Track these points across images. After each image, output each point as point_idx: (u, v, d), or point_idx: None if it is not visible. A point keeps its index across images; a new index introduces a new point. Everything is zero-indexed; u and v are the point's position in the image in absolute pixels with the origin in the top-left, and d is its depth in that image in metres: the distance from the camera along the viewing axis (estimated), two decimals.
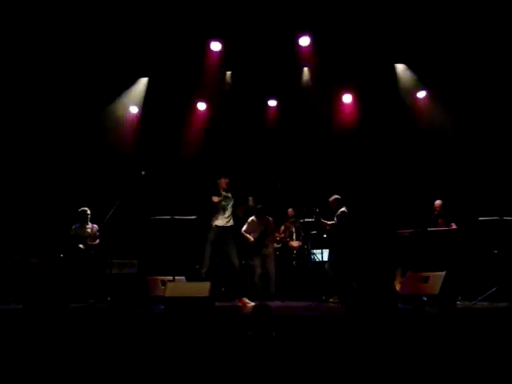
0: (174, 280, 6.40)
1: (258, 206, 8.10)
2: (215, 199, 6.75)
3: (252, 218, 8.15)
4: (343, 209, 7.55)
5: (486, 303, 6.22)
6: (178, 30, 8.96)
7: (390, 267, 7.81)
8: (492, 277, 6.59)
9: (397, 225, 7.95)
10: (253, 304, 6.66)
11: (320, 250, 8.57)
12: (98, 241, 7.70)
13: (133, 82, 10.49)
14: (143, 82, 10.54)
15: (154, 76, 10.35)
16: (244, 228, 8.13)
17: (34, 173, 9.39)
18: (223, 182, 6.84)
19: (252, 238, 7.99)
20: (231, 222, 6.85)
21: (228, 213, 6.91)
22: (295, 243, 8.89)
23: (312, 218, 7.60)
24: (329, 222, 7.62)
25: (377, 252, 8.40)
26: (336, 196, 7.71)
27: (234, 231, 7.14)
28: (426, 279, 6.19)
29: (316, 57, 9.66)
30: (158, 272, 7.18)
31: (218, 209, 6.78)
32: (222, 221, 6.80)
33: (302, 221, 8.25)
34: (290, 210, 9.07)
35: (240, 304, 6.62)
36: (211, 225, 6.71)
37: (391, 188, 9.46)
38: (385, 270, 7.79)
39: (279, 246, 8.87)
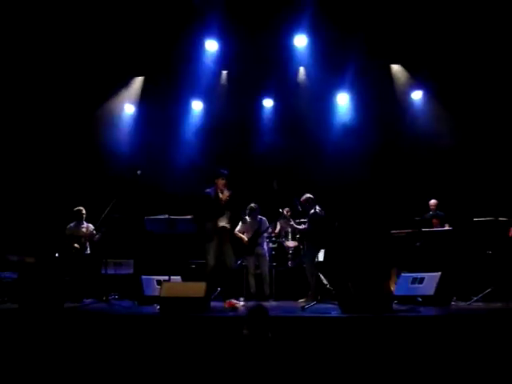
0: (169, 280, 6.39)
1: (252, 205, 8.10)
2: (223, 196, 6.72)
3: (245, 217, 8.15)
4: (315, 210, 7.50)
5: (480, 304, 6.24)
6: (173, 28, 8.95)
7: (384, 267, 7.82)
8: (487, 277, 6.61)
9: (392, 225, 7.96)
10: (241, 304, 6.60)
11: None
12: (97, 236, 7.66)
13: (128, 80, 10.47)
14: (139, 80, 10.53)
15: (150, 75, 10.33)
16: (237, 228, 8.13)
17: (29, 172, 9.36)
18: (220, 182, 6.78)
19: (246, 238, 7.99)
20: (228, 225, 6.82)
21: (226, 214, 6.86)
22: (291, 243, 8.89)
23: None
24: (300, 227, 7.74)
25: (371, 252, 8.41)
26: (308, 195, 7.68)
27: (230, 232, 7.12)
28: (421, 280, 6.22)
29: (312, 57, 9.67)
30: (154, 272, 7.17)
31: (218, 209, 6.73)
32: (221, 221, 6.76)
33: (297, 221, 8.25)
34: (286, 209, 9.06)
35: (227, 306, 6.37)
36: (211, 224, 6.67)
37: (386, 188, 9.47)
38: (380, 271, 7.79)
39: (275, 245, 8.87)
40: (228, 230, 6.81)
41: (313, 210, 7.51)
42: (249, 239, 7.99)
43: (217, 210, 6.68)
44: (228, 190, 6.81)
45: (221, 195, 6.73)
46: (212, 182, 6.85)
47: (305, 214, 7.71)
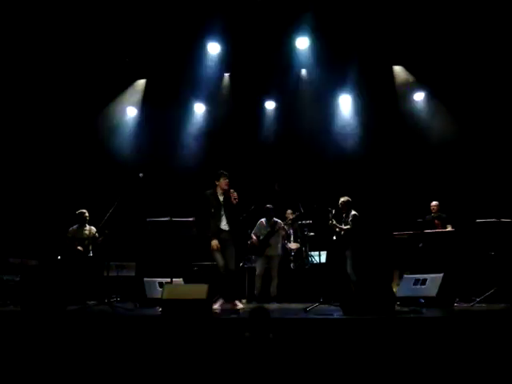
0: (171, 282, 6.38)
1: (267, 206, 8.09)
2: (233, 196, 6.45)
3: (261, 219, 8.15)
4: (354, 212, 7.69)
5: (483, 305, 6.22)
6: (176, 31, 8.97)
7: (387, 269, 7.82)
8: (489, 278, 6.60)
9: (394, 226, 7.95)
10: (241, 306, 6.53)
11: (317, 252, 8.55)
12: (100, 239, 7.66)
13: (131, 83, 10.50)
14: (141, 83, 10.56)
15: (152, 78, 10.36)
16: (254, 230, 8.19)
17: (32, 175, 9.39)
18: (223, 182, 6.54)
19: (255, 238, 7.99)
20: (228, 226, 6.66)
21: (228, 216, 6.71)
22: (293, 245, 8.88)
23: (310, 220, 7.59)
24: (344, 227, 7.66)
25: (374, 254, 8.41)
26: (347, 198, 7.80)
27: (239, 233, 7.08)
28: (424, 281, 6.21)
29: (314, 58, 9.67)
30: (156, 274, 7.17)
31: (219, 212, 6.61)
32: (222, 224, 6.61)
33: (300, 222, 8.24)
34: (288, 211, 9.05)
35: (231, 306, 6.31)
36: (213, 227, 6.55)
37: (388, 190, 9.47)
38: (382, 272, 7.80)
39: None
40: (229, 232, 6.71)
41: (353, 212, 7.69)
42: (260, 240, 7.99)
43: (216, 211, 6.54)
44: (225, 192, 6.62)
45: (228, 194, 6.53)
46: (212, 184, 6.73)
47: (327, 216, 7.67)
